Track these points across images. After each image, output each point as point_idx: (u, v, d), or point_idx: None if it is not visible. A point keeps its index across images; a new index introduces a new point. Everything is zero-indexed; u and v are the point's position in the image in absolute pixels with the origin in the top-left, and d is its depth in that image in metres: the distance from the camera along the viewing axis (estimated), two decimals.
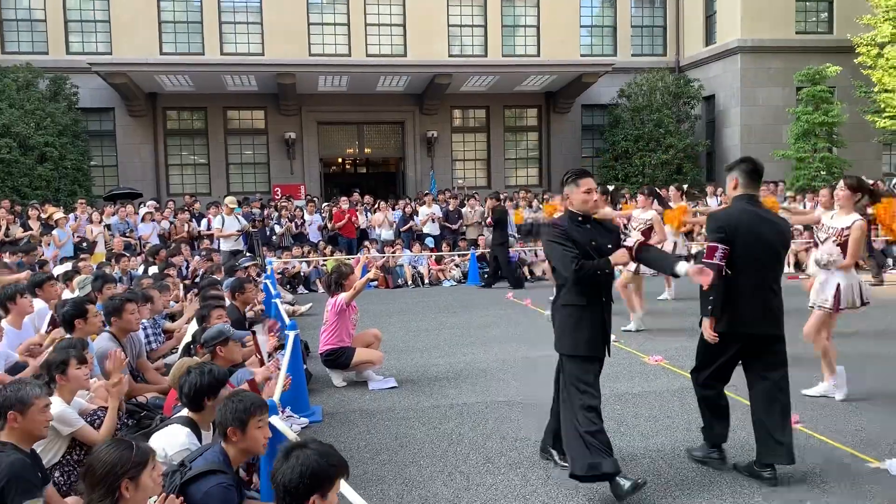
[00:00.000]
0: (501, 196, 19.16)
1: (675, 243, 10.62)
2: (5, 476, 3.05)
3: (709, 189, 18.04)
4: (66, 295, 7.50)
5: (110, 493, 2.67)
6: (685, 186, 12.41)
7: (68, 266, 9.70)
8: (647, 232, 9.02)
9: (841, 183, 5.94)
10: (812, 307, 6.00)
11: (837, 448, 4.84)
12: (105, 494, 2.67)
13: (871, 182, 6.39)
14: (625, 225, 10.00)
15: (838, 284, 5.79)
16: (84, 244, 14.03)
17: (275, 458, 2.76)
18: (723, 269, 4.32)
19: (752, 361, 4.50)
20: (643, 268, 8.57)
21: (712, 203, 16.55)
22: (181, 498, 2.92)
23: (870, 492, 4.15)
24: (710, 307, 4.35)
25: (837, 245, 5.81)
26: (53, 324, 6.14)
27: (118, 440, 2.89)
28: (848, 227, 5.74)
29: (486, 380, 6.95)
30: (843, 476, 4.37)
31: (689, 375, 4.83)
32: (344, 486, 3.14)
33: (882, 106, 17.82)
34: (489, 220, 14.39)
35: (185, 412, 3.82)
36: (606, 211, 10.94)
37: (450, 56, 21.62)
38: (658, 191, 10.12)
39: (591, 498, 4.18)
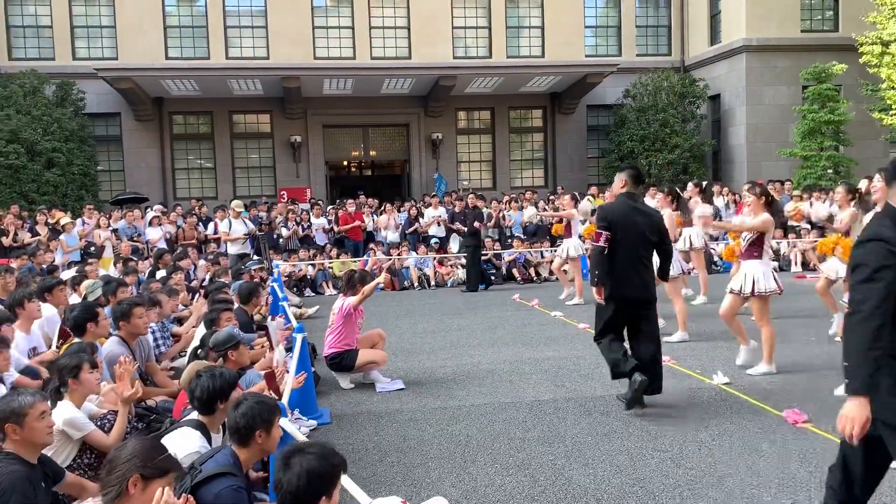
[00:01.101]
0: (505, 197, 19.20)
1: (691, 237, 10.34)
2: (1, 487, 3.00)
3: (714, 189, 17.99)
4: (74, 300, 7.54)
5: (119, 481, 2.63)
6: (704, 183, 12.14)
7: (75, 271, 9.75)
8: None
9: (877, 176, 5.59)
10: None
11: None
12: (116, 495, 2.64)
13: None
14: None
15: None
16: (92, 248, 14.09)
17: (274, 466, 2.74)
18: (604, 250, 5.71)
19: (632, 321, 5.86)
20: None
21: (719, 203, 16.51)
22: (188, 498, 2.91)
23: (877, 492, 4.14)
24: (595, 279, 5.76)
25: None
26: (63, 335, 6.15)
27: (150, 440, 2.83)
28: None
29: (494, 381, 6.95)
30: None
31: (596, 343, 6.02)
32: (352, 486, 3.15)
33: (889, 103, 17.75)
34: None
35: (194, 415, 3.84)
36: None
37: (454, 58, 21.62)
38: (678, 191, 9.87)
39: (600, 499, 4.19)
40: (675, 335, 8.39)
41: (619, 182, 5.99)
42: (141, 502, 2.67)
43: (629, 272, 5.72)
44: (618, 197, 6.00)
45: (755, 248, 6.75)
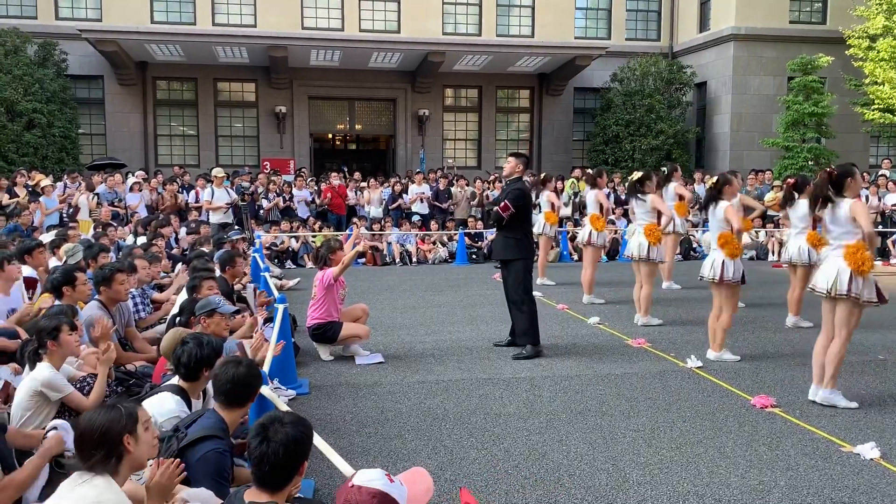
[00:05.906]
0: (491, 176, 19.20)
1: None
2: None
3: (696, 175, 18.13)
4: (53, 263, 7.50)
5: (114, 450, 2.65)
6: (663, 170, 12.14)
7: (55, 234, 9.68)
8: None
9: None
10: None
11: (812, 432, 4.96)
12: (107, 455, 2.64)
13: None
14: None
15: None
16: (69, 210, 13.96)
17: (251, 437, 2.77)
18: (503, 220, 6.96)
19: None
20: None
21: (699, 190, 16.63)
22: (179, 462, 2.94)
23: (839, 475, 4.27)
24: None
25: None
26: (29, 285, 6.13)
27: (102, 406, 2.82)
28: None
29: (472, 358, 7.03)
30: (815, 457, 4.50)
31: (531, 297, 7.16)
32: (336, 458, 3.21)
33: (871, 98, 17.94)
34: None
35: (175, 380, 3.86)
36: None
37: (444, 34, 21.50)
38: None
39: (573, 474, 4.28)
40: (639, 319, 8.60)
41: (518, 166, 7.10)
42: (140, 451, 2.74)
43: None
44: (518, 179, 7.10)
45: None
